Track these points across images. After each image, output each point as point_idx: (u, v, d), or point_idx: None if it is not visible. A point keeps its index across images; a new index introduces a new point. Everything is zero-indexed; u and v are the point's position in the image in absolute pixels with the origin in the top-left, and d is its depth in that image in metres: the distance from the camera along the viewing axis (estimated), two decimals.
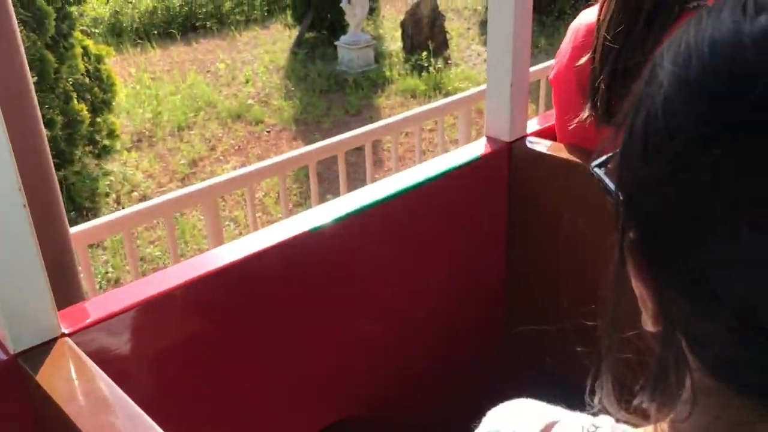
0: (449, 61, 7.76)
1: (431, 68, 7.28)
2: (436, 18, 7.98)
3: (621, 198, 0.40)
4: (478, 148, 1.53)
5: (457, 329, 1.58)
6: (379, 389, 1.48)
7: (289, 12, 9.17)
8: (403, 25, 8.05)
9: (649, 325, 0.42)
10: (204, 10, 9.57)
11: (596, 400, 0.46)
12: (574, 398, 0.50)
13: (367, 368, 1.44)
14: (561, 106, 1.51)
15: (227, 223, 4.75)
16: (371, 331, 1.45)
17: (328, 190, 4.53)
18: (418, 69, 7.37)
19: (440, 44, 7.79)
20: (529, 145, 1.53)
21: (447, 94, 6.59)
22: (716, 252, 0.34)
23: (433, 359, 1.54)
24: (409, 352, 1.51)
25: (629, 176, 0.40)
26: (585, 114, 1.38)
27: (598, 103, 1.35)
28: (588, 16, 1.42)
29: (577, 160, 1.42)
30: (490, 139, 1.55)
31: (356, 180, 4.29)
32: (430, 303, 1.52)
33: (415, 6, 7.98)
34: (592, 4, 1.40)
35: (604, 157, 0.44)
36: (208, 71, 7.92)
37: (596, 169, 0.44)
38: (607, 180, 0.43)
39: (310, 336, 1.33)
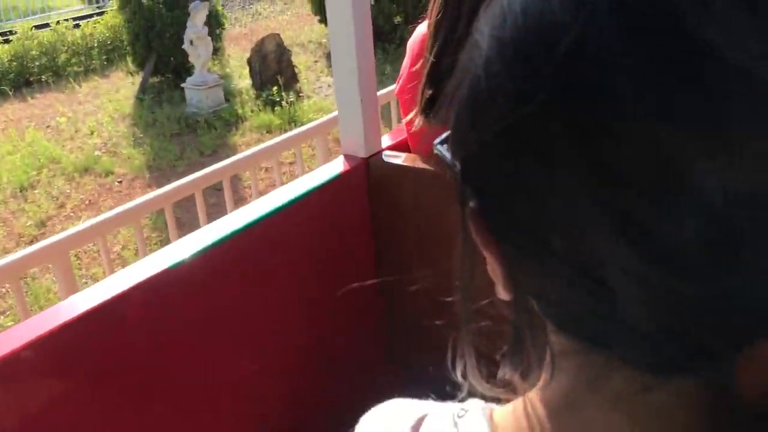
0: (301, 94, 7.79)
1: (283, 102, 7.28)
2: (282, 53, 8.01)
3: (457, 167, 0.40)
4: (336, 166, 1.53)
5: (339, 345, 1.56)
6: (264, 420, 1.42)
7: (129, 59, 8.87)
8: (249, 62, 8.01)
9: (501, 293, 0.41)
10: (37, 63, 9.07)
11: (462, 378, 0.45)
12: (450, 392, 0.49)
13: (251, 403, 1.39)
14: (407, 114, 1.54)
15: (85, 281, 4.47)
16: (251, 363, 1.39)
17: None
18: (271, 104, 7.34)
19: (289, 78, 7.82)
20: (385, 159, 1.55)
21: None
22: (550, 211, 0.34)
23: (317, 376, 1.51)
24: (293, 374, 1.47)
25: (460, 143, 0.39)
26: (418, 120, 1.41)
27: (425, 107, 1.39)
28: (421, 28, 1.47)
29: (430, 168, 1.45)
30: (347, 157, 1.55)
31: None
32: (307, 324, 1.49)
33: (259, 43, 7.97)
34: (425, 17, 1.44)
35: (444, 135, 0.44)
36: (48, 126, 7.49)
37: (438, 146, 0.44)
38: (447, 154, 0.42)
39: (186, 379, 1.26)
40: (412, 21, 1.57)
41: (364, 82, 1.49)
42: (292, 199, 1.42)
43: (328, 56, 9.74)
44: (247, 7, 13.47)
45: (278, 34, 8.21)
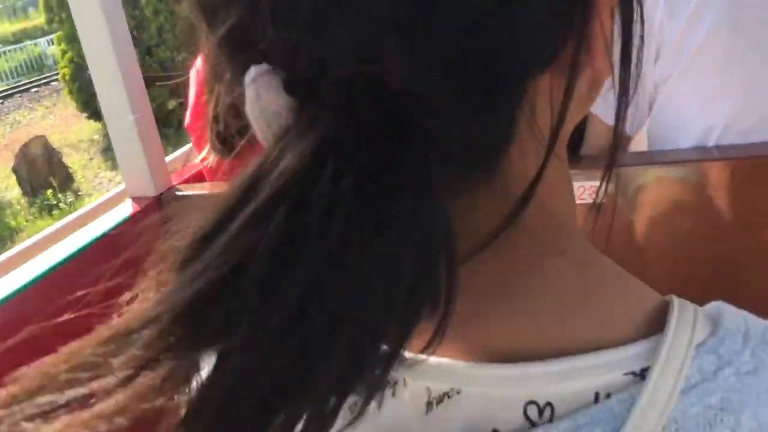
0: (80, 193, 7.30)
1: (62, 204, 6.76)
2: (52, 155, 7.51)
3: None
4: (124, 210, 1.38)
5: None
6: None
7: None
8: (16, 170, 7.39)
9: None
10: None
11: None
12: None
13: None
14: (201, 148, 1.47)
15: None
16: None
17: None
18: (48, 208, 6.80)
19: (64, 179, 7.32)
20: (178, 193, 1.43)
21: None
22: None
23: None
24: None
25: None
26: (212, 156, 1.37)
27: (216, 142, 1.35)
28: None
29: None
30: (135, 199, 1.41)
31: None
32: None
33: (23, 148, 7.40)
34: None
35: None
36: None
37: None
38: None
39: None
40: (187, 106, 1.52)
41: (141, 112, 1.38)
42: (73, 252, 1.26)
43: (104, 151, 9.27)
44: (2, 117, 12.53)
45: (44, 136, 7.70)
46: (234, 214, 0.29)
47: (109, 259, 1.20)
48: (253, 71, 0.32)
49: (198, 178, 1.52)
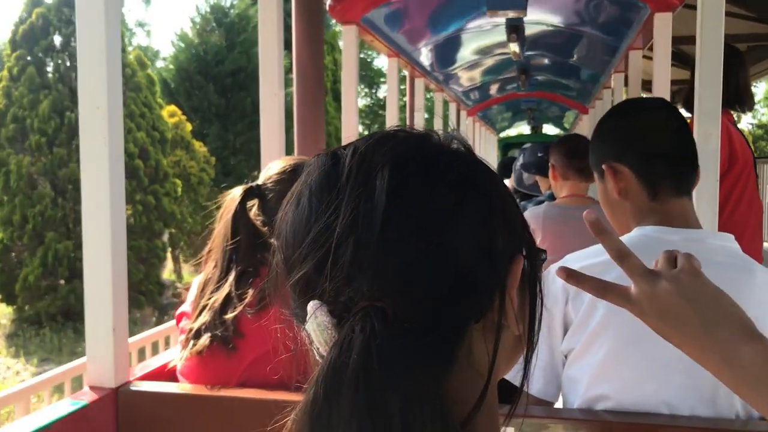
0: None
1: None
2: None
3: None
4: (82, 397, 1.44)
5: None
6: None
7: None
8: None
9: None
10: None
11: None
12: None
13: None
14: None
15: None
16: None
17: None
18: None
19: None
20: (134, 388, 1.50)
21: None
22: None
23: None
24: None
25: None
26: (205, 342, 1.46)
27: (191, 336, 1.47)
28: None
29: (185, 393, 1.45)
30: (94, 388, 1.47)
31: None
32: None
33: None
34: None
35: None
36: None
37: None
38: None
39: None
40: None
41: (118, 309, 1.49)
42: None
43: (8, 337, 8.88)
44: None
45: None
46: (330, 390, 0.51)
47: None
48: (312, 303, 0.55)
49: (154, 375, 1.60)
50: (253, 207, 1.59)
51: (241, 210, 1.54)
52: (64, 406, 1.41)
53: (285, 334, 0.64)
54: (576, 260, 1.33)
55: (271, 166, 1.68)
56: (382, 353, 0.50)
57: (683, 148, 1.40)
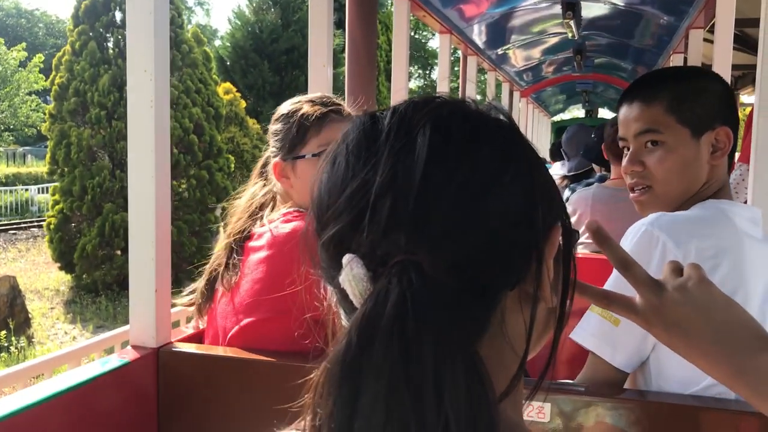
0: (33, 340, 7.14)
1: (12, 347, 6.59)
2: (16, 296, 7.44)
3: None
4: (125, 355, 1.47)
5: None
6: None
7: None
8: None
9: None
10: None
11: None
12: None
13: None
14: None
15: None
16: None
17: None
18: None
19: (21, 323, 7.19)
20: (174, 349, 1.53)
21: None
22: None
23: None
24: None
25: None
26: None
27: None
28: None
29: (224, 355, 1.47)
30: (136, 347, 1.51)
31: None
32: None
33: None
34: None
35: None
36: None
37: None
38: None
39: None
40: None
41: (161, 272, 1.52)
42: (72, 386, 1.33)
43: (66, 303, 9.19)
44: None
45: (13, 277, 7.68)
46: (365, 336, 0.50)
47: (98, 402, 1.31)
48: (347, 256, 0.55)
49: (191, 338, 1.63)
50: None
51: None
52: (108, 363, 1.44)
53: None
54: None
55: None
56: (418, 306, 0.50)
57: None
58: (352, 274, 0.54)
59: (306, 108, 1.59)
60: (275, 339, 1.41)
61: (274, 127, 1.61)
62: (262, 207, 1.63)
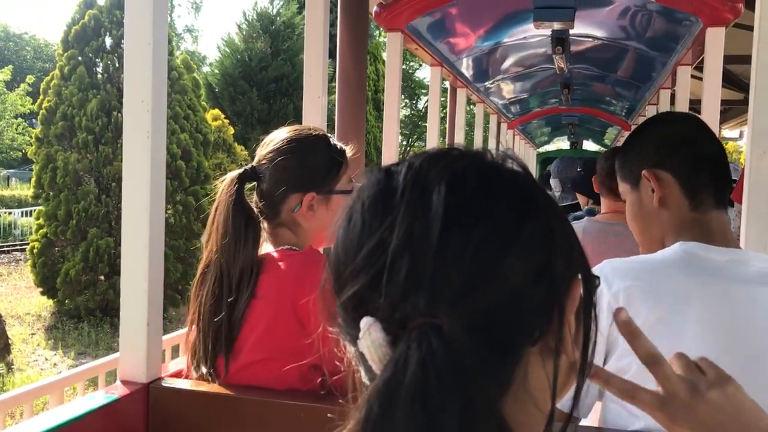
0: (12, 367, 7.01)
1: None
2: None
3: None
4: (114, 391, 1.44)
5: None
6: None
7: None
8: None
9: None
10: None
11: None
12: None
13: None
14: None
15: None
16: None
17: None
18: None
19: (1, 350, 7.07)
20: (166, 385, 1.50)
21: None
22: None
23: None
24: None
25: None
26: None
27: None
28: None
29: (214, 391, 1.44)
30: (125, 383, 1.48)
31: None
32: None
33: None
34: None
35: None
36: None
37: None
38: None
39: None
40: None
41: (153, 306, 1.49)
42: (60, 423, 1.30)
43: (48, 329, 9.05)
44: None
45: None
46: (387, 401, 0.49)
47: None
48: (366, 320, 0.54)
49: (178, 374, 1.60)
50: (253, 193, 1.52)
51: (236, 197, 1.45)
52: (96, 399, 1.41)
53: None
54: (615, 264, 1.30)
55: (267, 140, 1.55)
56: (439, 371, 0.48)
57: (725, 157, 1.37)
58: (371, 339, 0.53)
59: (333, 142, 1.55)
60: (273, 379, 1.38)
61: (298, 158, 1.49)
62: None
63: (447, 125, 6.38)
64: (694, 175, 1.34)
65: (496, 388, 0.52)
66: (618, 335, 1.24)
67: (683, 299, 1.23)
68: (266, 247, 1.54)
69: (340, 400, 0.56)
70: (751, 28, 1.93)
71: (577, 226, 2.89)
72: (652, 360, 0.76)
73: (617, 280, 1.25)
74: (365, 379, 0.56)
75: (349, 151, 1.59)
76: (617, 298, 1.24)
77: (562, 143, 18.28)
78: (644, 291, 1.23)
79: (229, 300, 1.42)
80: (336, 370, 0.62)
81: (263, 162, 1.52)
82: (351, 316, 0.55)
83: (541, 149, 14.97)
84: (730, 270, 1.25)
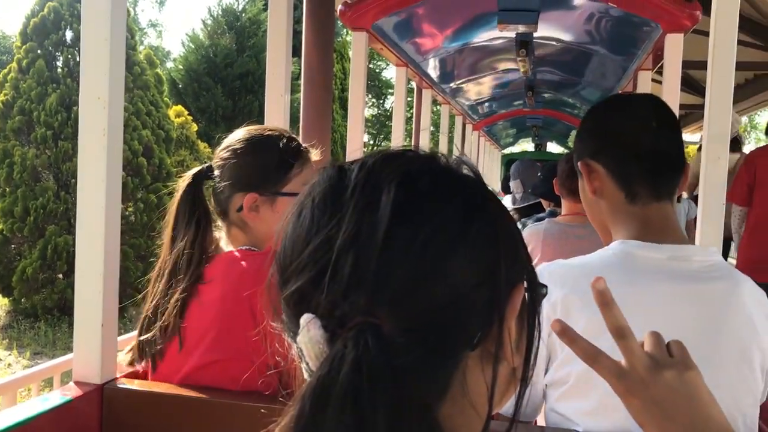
0: None
1: None
2: None
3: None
4: (67, 392, 1.41)
5: None
6: None
7: None
8: None
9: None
10: None
11: None
12: None
13: None
14: None
15: None
16: None
17: None
18: None
19: None
20: (120, 386, 1.48)
21: None
22: None
23: None
24: None
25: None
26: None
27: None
28: None
29: (170, 392, 1.42)
30: (79, 384, 1.45)
31: None
32: None
33: None
34: None
35: None
36: None
37: None
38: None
39: None
40: None
41: (108, 306, 1.47)
42: (11, 425, 1.27)
43: (2, 328, 8.84)
44: None
45: None
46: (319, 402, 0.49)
47: None
48: (306, 316, 0.54)
49: (142, 374, 1.57)
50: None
51: (187, 194, 1.48)
52: (49, 400, 1.38)
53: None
54: (560, 265, 1.30)
55: (226, 140, 1.55)
56: (373, 372, 0.49)
57: (663, 148, 1.31)
58: (309, 336, 0.53)
59: (287, 143, 1.51)
60: (231, 380, 1.37)
61: (244, 158, 1.49)
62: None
63: (413, 125, 6.39)
64: (627, 167, 1.31)
65: (433, 390, 0.53)
66: (557, 345, 1.24)
67: (623, 310, 1.23)
68: (228, 249, 1.53)
69: (280, 398, 0.56)
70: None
71: (539, 227, 2.93)
72: (620, 332, 0.77)
73: (555, 289, 1.23)
74: (306, 376, 0.56)
75: (314, 155, 1.56)
76: (555, 309, 1.22)
77: (527, 145, 18.46)
78: (582, 301, 1.20)
79: (172, 292, 1.44)
80: (280, 366, 0.62)
81: (218, 161, 1.52)
82: (293, 312, 0.55)
83: (506, 150, 15.10)
84: (672, 268, 1.23)
